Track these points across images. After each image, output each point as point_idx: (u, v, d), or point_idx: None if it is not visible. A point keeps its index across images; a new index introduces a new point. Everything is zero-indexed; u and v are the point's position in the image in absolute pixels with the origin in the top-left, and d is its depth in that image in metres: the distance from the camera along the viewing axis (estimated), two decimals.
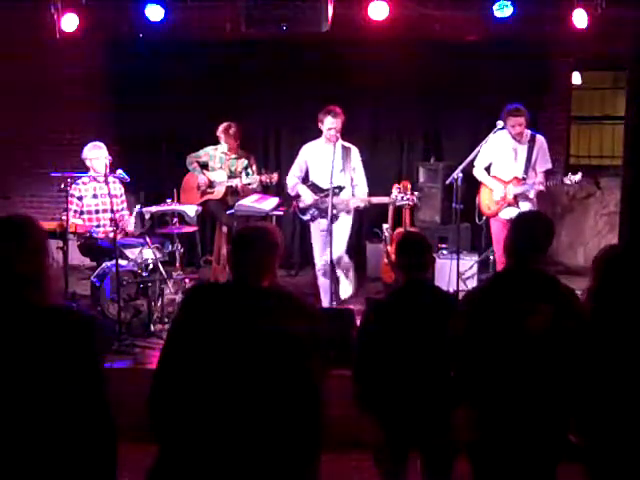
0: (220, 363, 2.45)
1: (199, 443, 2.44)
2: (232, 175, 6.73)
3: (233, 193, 6.73)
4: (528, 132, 5.78)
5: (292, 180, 6.15)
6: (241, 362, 2.44)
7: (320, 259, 5.99)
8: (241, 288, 2.58)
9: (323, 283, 5.97)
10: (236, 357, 2.43)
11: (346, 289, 6.09)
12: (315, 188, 5.99)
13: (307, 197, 6.00)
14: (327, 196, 5.78)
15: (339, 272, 6.03)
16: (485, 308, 2.93)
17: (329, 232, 5.75)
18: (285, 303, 2.60)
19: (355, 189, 6.03)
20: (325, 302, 5.90)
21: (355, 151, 6.06)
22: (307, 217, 6.07)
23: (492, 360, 2.87)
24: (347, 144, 6.03)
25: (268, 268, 2.61)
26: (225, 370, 2.44)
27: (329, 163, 5.79)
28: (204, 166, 6.88)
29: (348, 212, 6.00)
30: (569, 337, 2.81)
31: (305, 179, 6.11)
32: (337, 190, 5.87)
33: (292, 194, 6.15)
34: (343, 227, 6.01)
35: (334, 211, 5.77)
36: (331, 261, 5.81)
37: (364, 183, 6.06)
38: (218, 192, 6.75)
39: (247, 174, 6.75)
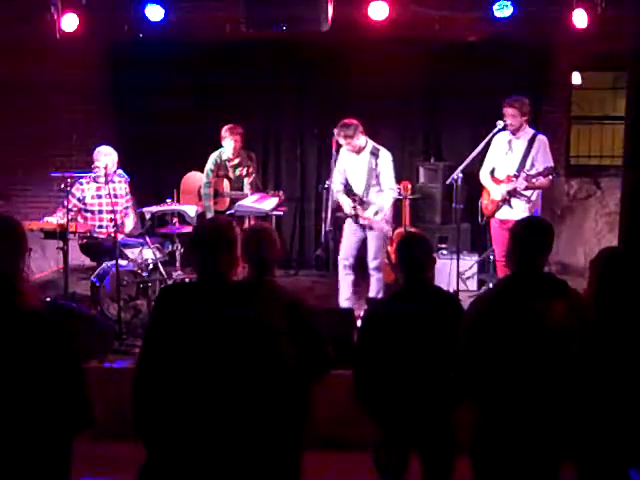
0: (191, 356, 2.56)
1: (183, 438, 2.54)
2: (237, 181, 6.65)
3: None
4: (530, 130, 5.76)
5: (337, 191, 5.98)
6: (208, 352, 2.55)
7: (344, 256, 6.00)
8: (206, 284, 2.68)
9: (342, 279, 6.00)
10: (204, 348, 2.54)
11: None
12: (350, 193, 5.93)
13: (345, 207, 5.91)
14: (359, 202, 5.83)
15: (372, 273, 6.01)
16: (496, 310, 2.92)
17: (357, 233, 5.90)
18: (255, 292, 2.80)
19: (379, 197, 5.87)
20: (341, 298, 5.97)
21: (383, 154, 5.86)
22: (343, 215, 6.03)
23: (502, 360, 2.86)
24: (377, 147, 5.89)
25: (229, 263, 2.69)
26: (196, 361, 2.55)
27: (359, 169, 5.84)
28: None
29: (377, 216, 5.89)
30: (579, 337, 2.82)
31: (347, 183, 6.03)
32: (359, 199, 5.85)
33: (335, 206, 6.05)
34: (375, 236, 5.94)
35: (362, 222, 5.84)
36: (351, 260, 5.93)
37: (388, 190, 5.89)
38: (223, 203, 6.67)
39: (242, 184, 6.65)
